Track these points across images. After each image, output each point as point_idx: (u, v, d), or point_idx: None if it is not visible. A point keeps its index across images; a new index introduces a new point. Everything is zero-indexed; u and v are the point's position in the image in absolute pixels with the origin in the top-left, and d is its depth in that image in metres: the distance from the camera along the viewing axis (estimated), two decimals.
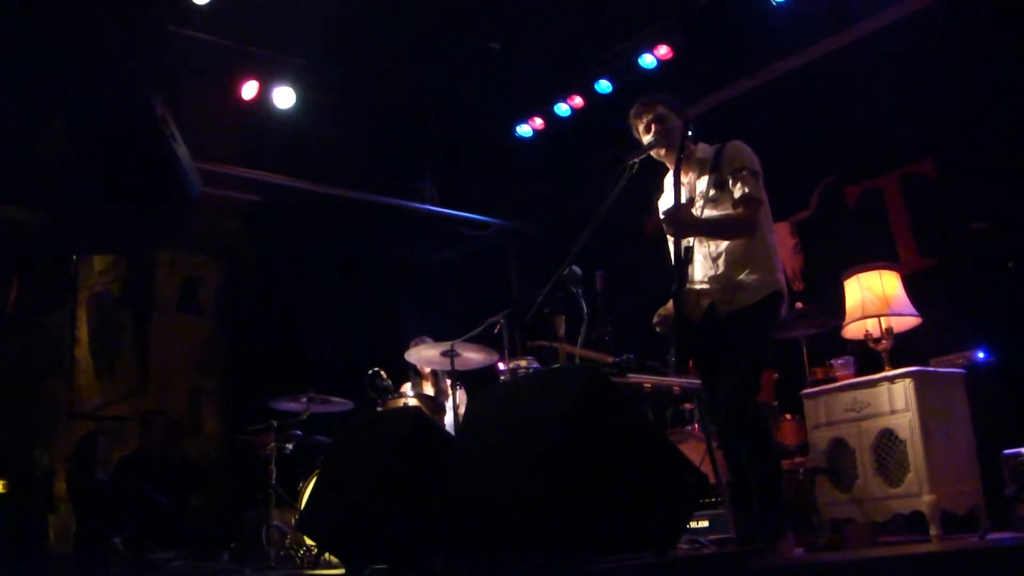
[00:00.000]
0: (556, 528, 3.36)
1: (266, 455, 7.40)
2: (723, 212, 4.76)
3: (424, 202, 10.26)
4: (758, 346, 4.66)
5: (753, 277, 4.69)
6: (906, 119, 7.43)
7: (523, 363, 6.65)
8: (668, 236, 4.91)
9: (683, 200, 4.91)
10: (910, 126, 7.43)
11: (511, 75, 9.25)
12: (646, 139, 4.94)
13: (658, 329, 4.93)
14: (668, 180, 5.07)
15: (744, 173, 4.70)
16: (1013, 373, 6.24)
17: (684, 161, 4.91)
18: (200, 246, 10.80)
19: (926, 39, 7.27)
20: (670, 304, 4.90)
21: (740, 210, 4.70)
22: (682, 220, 4.73)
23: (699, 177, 4.90)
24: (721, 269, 4.76)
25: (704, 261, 4.83)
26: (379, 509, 4.41)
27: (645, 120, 4.98)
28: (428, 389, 8.14)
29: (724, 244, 4.77)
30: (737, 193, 4.69)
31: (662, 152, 4.94)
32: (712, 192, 4.79)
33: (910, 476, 5.31)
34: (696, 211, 4.85)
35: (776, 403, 6.95)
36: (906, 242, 7.51)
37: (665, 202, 5.13)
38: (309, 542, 6.88)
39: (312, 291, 10.21)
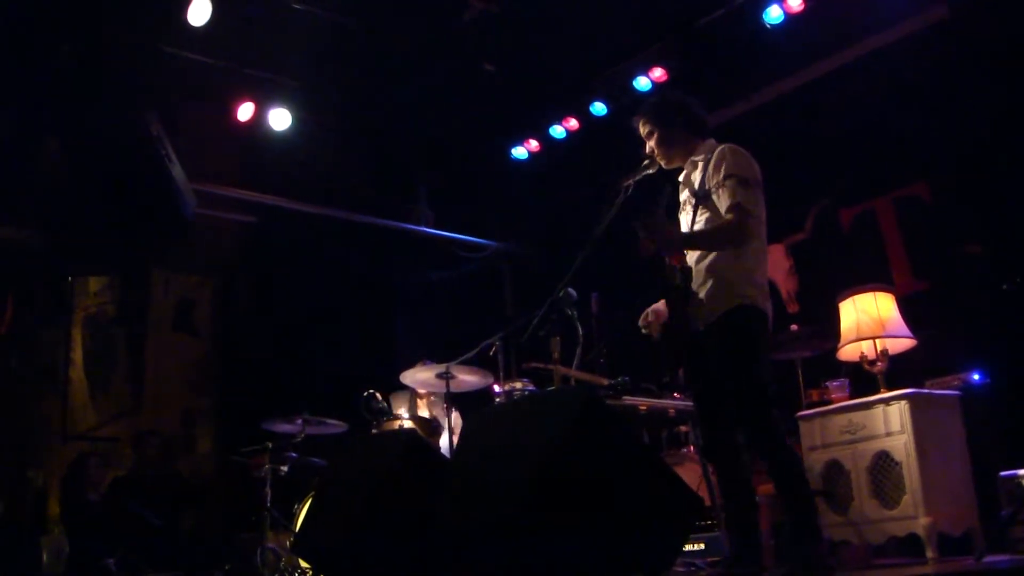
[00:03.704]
0: (551, 551, 3.35)
1: (261, 477, 7.37)
2: (712, 219, 4.63)
3: (419, 223, 10.27)
4: (743, 359, 4.48)
5: (722, 290, 4.53)
6: (900, 142, 7.45)
7: (518, 385, 6.66)
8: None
9: (683, 199, 4.84)
10: (904, 149, 7.45)
11: (506, 97, 9.27)
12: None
13: (644, 330, 4.86)
14: (680, 176, 4.98)
15: (731, 182, 4.52)
16: (1008, 395, 6.24)
17: (689, 158, 4.85)
18: (195, 266, 10.80)
19: (920, 63, 7.30)
20: (656, 307, 4.86)
21: (729, 217, 4.52)
22: (669, 239, 4.57)
23: (693, 176, 4.79)
24: (698, 279, 4.62)
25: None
26: (374, 532, 4.40)
27: (642, 135, 4.97)
28: (424, 410, 8.12)
29: (708, 253, 4.64)
30: (725, 202, 4.52)
31: (663, 164, 4.91)
32: (702, 194, 4.66)
33: (906, 498, 5.31)
34: (688, 213, 4.77)
35: None
36: (901, 264, 7.52)
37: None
38: (304, 564, 6.84)
39: (307, 312, 10.21)
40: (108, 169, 7.83)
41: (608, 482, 3.54)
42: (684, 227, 4.81)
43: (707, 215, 4.66)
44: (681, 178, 4.91)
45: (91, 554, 7.62)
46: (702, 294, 4.59)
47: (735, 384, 4.47)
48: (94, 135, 7.75)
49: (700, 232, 4.64)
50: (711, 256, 4.61)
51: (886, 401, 5.53)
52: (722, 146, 4.72)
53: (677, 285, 4.63)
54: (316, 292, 10.24)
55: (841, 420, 5.78)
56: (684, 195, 4.87)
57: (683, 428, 6.89)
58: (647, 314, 4.89)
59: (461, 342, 7.22)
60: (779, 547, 5.47)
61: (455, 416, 7.49)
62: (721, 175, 4.57)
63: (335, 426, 7.76)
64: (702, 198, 4.66)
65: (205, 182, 8.93)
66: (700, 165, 4.76)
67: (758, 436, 4.46)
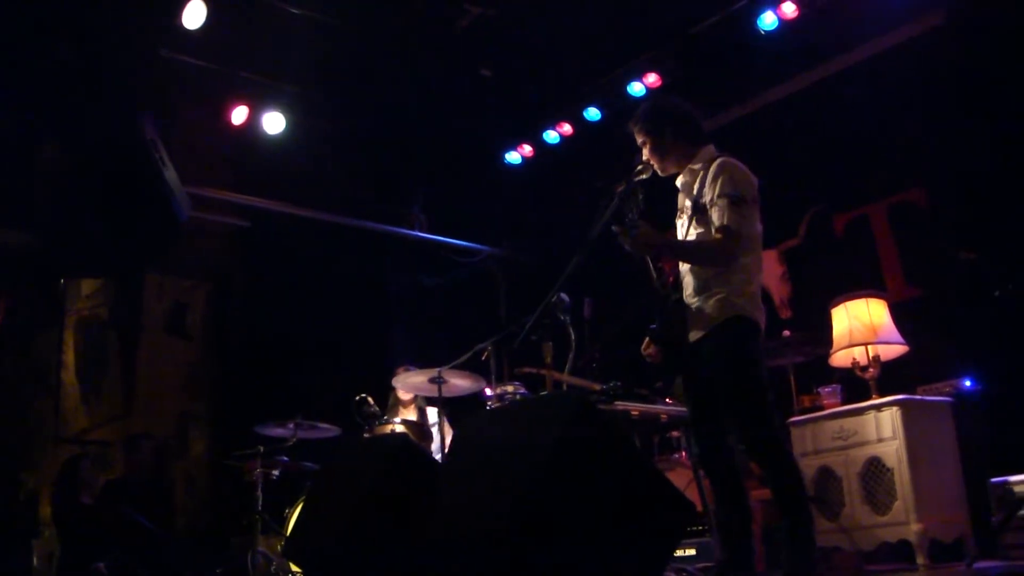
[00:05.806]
0: (542, 557, 3.34)
1: (252, 481, 7.36)
2: (705, 233, 4.62)
3: (413, 228, 10.26)
4: (740, 369, 4.47)
5: (713, 301, 4.52)
6: (895, 148, 7.46)
7: (510, 390, 6.63)
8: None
9: (681, 204, 4.84)
10: (899, 155, 7.46)
11: (500, 102, 9.28)
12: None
13: (646, 357, 4.87)
14: (679, 182, 4.97)
15: (723, 202, 4.51)
16: (999, 402, 6.24)
17: (687, 164, 4.82)
18: (189, 270, 10.78)
19: (916, 69, 7.30)
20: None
21: (717, 237, 4.52)
22: (641, 240, 4.52)
23: (692, 186, 4.78)
24: (689, 291, 4.64)
25: (683, 281, 4.72)
26: (365, 536, 4.39)
27: (638, 143, 4.95)
28: (414, 414, 8.11)
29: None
30: (716, 222, 4.52)
31: (658, 171, 4.90)
32: (698, 206, 4.65)
33: (897, 504, 5.32)
34: (684, 221, 4.76)
35: None
36: (893, 270, 7.52)
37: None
38: (295, 569, 6.83)
39: (300, 316, 10.19)
40: (101, 172, 7.80)
41: (599, 487, 3.53)
42: (679, 234, 4.83)
43: (700, 229, 4.65)
44: (680, 182, 4.90)
45: (83, 557, 7.60)
46: (694, 305, 4.60)
47: (734, 393, 4.46)
48: (88, 138, 7.73)
49: (684, 243, 4.64)
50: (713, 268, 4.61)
51: (878, 407, 5.55)
52: (720, 160, 4.69)
53: (672, 296, 4.64)
54: (309, 296, 10.22)
55: (833, 426, 5.79)
56: (683, 201, 4.87)
57: (675, 433, 6.90)
58: (648, 343, 4.86)
59: (454, 346, 7.21)
60: (770, 553, 5.47)
61: (445, 421, 7.48)
62: (715, 193, 4.56)
63: (327, 430, 7.75)
64: (698, 210, 4.64)
65: (199, 185, 8.90)
66: (700, 175, 4.73)
67: (758, 443, 4.45)
